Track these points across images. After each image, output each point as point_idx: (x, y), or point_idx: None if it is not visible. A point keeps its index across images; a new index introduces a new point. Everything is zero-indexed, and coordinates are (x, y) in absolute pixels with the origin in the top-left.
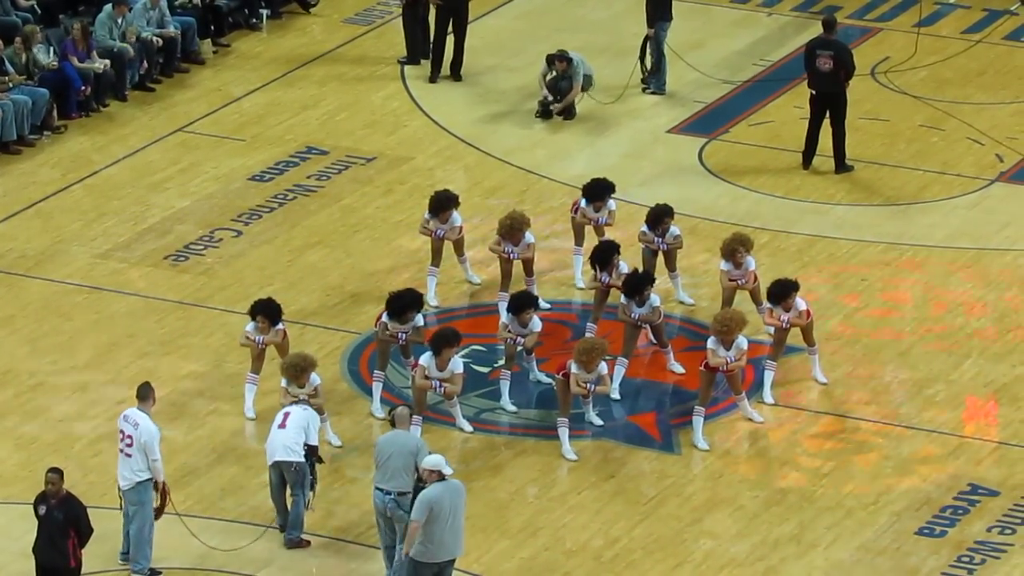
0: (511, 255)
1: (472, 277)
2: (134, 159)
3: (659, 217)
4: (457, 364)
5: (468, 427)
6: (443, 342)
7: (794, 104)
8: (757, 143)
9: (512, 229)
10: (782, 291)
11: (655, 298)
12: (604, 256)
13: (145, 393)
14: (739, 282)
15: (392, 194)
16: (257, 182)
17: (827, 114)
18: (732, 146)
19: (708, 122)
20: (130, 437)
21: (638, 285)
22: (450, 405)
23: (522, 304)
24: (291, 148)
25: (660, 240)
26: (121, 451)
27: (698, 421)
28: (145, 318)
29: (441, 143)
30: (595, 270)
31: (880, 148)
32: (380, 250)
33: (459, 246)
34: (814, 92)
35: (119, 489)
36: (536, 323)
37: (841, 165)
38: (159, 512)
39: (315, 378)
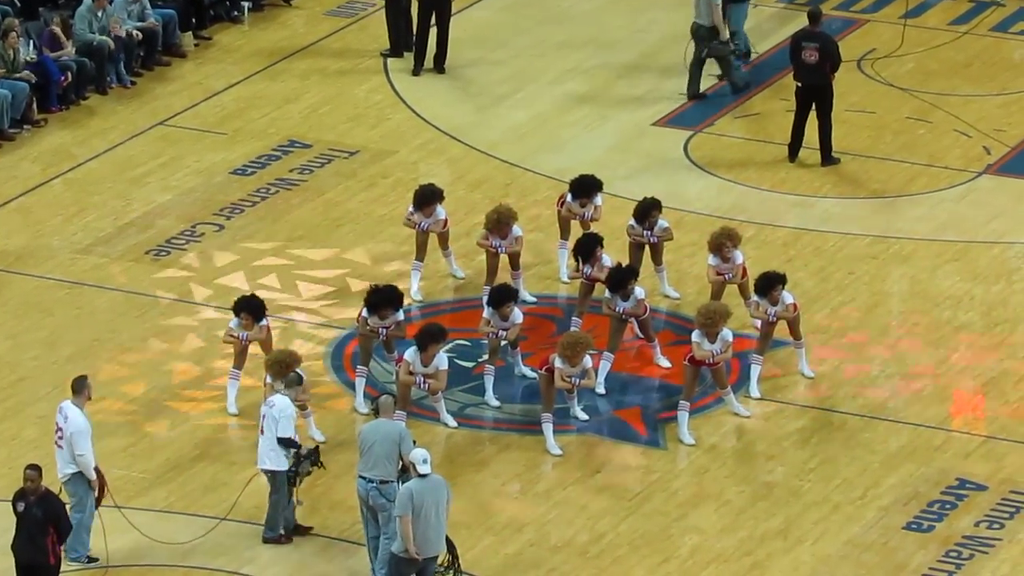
0: (499, 249)
1: (456, 271)
2: (115, 153)
3: (647, 211)
4: (442, 360)
5: (452, 422)
6: (429, 338)
7: (780, 97)
8: (743, 136)
9: (499, 223)
10: (768, 284)
11: (640, 291)
12: (587, 248)
13: (79, 386)
14: (726, 276)
15: (375, 188)
16: (239, 176)
17: (813, 107)
18: (718, 139)
19: (693, 115)
20: (61, 430)
21: (622, 279)
22: (434, 400)
23: (502, 297)
24: (273, 142)
25: (649, 234)
26: (55, 443)
27: (683, 416)
28: (126, 314)
29: (425, 136)
30: (578, 262)
31: (867, 140)
32: (363, 244)
33: (443, 240)
34: (800, 84)
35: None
36: (517, 316)
37: (827, 158)
38: (97, 501)
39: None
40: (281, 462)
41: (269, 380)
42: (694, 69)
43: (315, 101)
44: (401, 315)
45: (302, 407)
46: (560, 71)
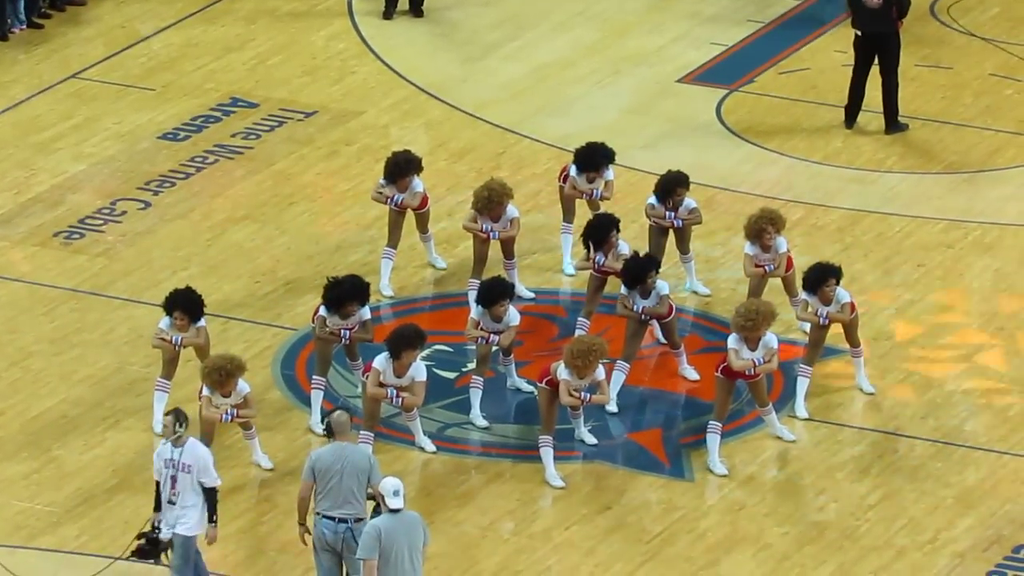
0: (490, 233)
1: (436, 260)
2: (17, 112)
3: (671, 187)
4: (419, 370)
5: (430, 446)
6: (404, 343)
7: (835, 47)
8: (789, 96)
9: (490, 202)
10: (820, 278)
11: (662, 285)
12: (599, 232)
13: None
14: (767, 268)
15: (337, 157)
16: (169, 141)
17: (876, 60)
18: (758, 99)
19: (729, 69)
20: None
21: (640, 272)
22: (408, 419)
23: (495, 294)
24: (212, 100)
25: (672, 215)
26: None
27: (714, 440)
28: (30, 309)
29: (398, 94)
30: (588, 249)
31: (941, 103)
32: (322, 226)
33: (422, 221)
34: (860, 33)
35: None
36: (513, 316)
37: (893, 123)
38: None
39: (243, 385)
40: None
41: (206, 392)
42: None
43: (263, 50)
44: (367, 313)
45: (245, 426)
46: (565, 14)
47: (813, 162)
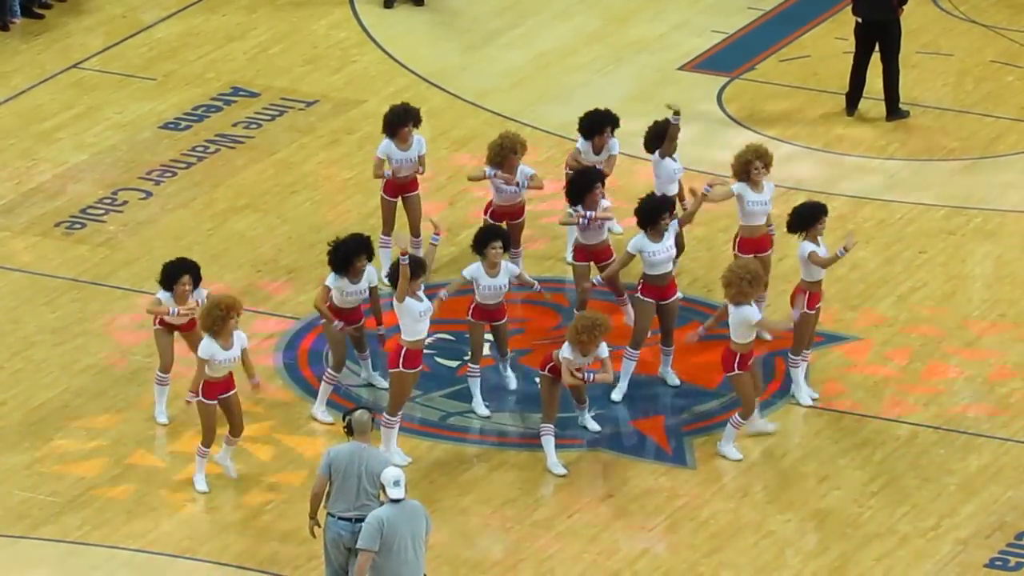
0: (519, 184)
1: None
2: (18, 103)
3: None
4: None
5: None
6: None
7: (836, 35)
8: (790, 83)
9: (503, 148)
10: (812, 216)
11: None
12: (583, 180)
13: None
14: (765, 208)
15: (338, 146)
16: (171, 131)
17: (877, 47)
18: (760, 86)
19: (730, 56)
20: None
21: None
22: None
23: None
24: (213, 89)
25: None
26: None
27: (731, 432)
28: (32, 299)
29: (399, 83)
30: (571, 203)
31: (943, 89)
32: (323, 215)
33: (413, 216)
34: (860, 20)
35: None
36: (372, 276)
37: (894, 110)
38: None
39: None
40: None
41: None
42: None
43: (264, 39)
44: (375, 277)
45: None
46: (566, 2)
47: (815, 149)
